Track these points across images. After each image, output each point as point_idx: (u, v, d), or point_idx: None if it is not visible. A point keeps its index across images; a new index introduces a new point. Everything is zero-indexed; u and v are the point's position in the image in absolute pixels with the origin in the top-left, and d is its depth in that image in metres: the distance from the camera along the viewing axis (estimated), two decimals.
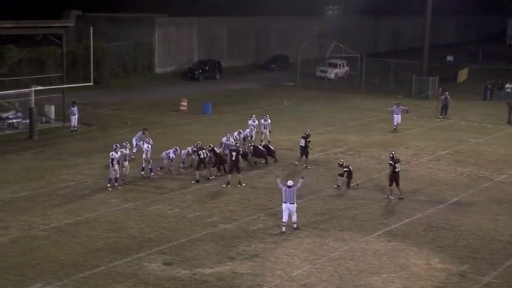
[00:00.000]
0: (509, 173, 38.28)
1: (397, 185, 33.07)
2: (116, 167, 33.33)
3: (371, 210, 31.30)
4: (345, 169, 34.49)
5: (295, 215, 28.31)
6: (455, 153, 43.22)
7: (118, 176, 33.65)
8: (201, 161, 35.16)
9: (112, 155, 33.25)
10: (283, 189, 28.17)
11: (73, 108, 46.78)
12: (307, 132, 39.01)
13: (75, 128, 46.71)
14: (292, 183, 28.05)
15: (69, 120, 47.16)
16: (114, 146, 33.74)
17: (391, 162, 33.24)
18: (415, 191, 34.58)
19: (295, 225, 28.36)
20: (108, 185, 33.43)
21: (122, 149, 34.02)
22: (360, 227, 29.01)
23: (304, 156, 38.46)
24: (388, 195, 33.20)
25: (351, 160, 38.62)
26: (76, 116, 46.83)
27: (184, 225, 28.68)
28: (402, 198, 33.05)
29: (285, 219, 28.06)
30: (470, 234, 28.51)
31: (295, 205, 28.08)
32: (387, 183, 33.51)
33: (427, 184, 35.97)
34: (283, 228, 28.09)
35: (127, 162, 34.37)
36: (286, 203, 27.96)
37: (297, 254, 25.86)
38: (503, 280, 24.13)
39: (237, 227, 28.55)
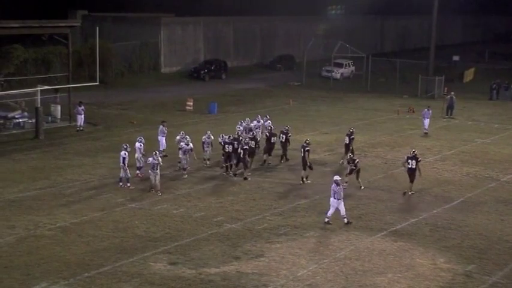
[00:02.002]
0: None
1: (410, 181, 33.53)
2: (126, 166, 33.41)
3: (377, 210, 31.29)
4: (351, 167, 34.49)
5: (343, 209, 29.07)
6: (461, 153, 43.16)
7: (129, 176, 33.70)
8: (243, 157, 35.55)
9: (124, 154, 33.26)
10: (332, 186, 29.13)
11: (79, 108, 46.84)
12: (351, 130, 39.31)
13: (81, 128, 46.77)
14: (339, 178, 29.26)
15: (75, 120, 47.23)
16: (125, 146, 33.73)
17: (405, 157, 34.03)
18: (421, 191, 34.52)
19: (345, 220, 29.12)
20: (120, 184, 33.58)
21: (150, 158, 32.94)
22: (365, 227, 28.99)
23: (348, 153, 38.80)
24: (404, 192, 33.67)
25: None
26: (82, 115, 46.89)
27: (190, 224, 28.70)
28: (405, 193, 33.56)
29: (329, 213, 29.23)
30: (476, 235, 28.47)
31: (338, 201, 28.97)
32: (394, 183, 33.58)
33: (433, 184, 35.92)
34: (326, 220, 29.15)
35: (158, 170, 32.80)
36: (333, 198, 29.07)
37: (302, 253, 25.85)
38: (509, 280, 24.08)
39: (242, 227, 28.56)
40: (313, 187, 34.64)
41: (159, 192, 32.79)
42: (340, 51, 77.24)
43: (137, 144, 35.30)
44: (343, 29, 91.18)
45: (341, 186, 29.10)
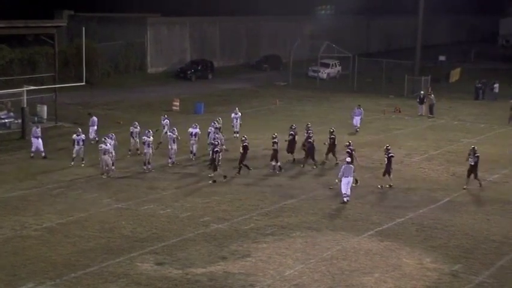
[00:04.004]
0: (501, 172, 38.35)
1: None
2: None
3: (363, 210, 31.33)
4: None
5: (349, 188, 32.23)
6: (447, 153, 43.28)
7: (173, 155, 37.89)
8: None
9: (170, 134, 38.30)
10: (343, 167, 32.57)
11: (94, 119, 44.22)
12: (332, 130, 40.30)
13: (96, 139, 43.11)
14: (351, 159, 33.18)
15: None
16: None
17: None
18: (407, 191, 34.62)
19: (346, 198, 32.11)
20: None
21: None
22: (352, 227, 29.03)
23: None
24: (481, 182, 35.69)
25: (343, 160, 38.61)
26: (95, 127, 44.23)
27: (177, 225, 28.67)
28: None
29: (344, 190, 32.17)
30: (462, 234, 28.56)
31: (351, 178, 32.43)
32: (381, 182, 33.62)
33: (419, 184, 36.01)
34: (345, 199, 32.10)
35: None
36: (347, 177, 32.14)
37: (289, 253, 25.87)
38: (495, 280, 24.17)
39: (229, 227, 28.54)
40: (301, 187, 34.72)
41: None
42: (327, 52, 77.25)
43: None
44: (330, 29, 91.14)
45: (351, 165, 32.43)
